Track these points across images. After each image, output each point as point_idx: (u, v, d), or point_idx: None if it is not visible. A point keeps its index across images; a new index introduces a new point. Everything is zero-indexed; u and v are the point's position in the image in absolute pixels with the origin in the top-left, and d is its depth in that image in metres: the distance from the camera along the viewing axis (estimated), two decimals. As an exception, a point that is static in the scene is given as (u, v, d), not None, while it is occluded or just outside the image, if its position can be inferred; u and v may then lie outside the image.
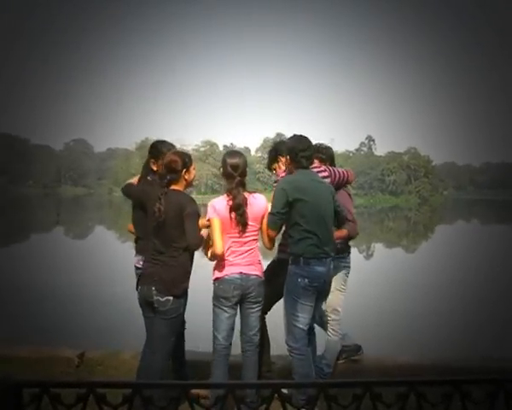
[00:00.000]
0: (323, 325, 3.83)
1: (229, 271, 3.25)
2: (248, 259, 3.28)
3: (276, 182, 3.65)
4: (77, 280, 9.86)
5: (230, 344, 3.31)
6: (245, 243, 3.28)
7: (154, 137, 3.96)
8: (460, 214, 48.40)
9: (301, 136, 3.48)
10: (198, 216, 3.20)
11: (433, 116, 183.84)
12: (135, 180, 3.69)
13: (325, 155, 3.92)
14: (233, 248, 3.27)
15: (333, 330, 3.78)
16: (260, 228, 3.34)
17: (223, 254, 3.27)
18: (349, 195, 3.98)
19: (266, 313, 3.67)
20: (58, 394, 1.22)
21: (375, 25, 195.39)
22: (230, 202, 3.24)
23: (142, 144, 70.48)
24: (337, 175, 3.76)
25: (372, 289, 8.81)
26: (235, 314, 3.31)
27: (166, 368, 3.23)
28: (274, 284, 3.42)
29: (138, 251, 3.52)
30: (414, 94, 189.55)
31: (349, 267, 3.86)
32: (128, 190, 3.65)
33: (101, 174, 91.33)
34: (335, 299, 3.72)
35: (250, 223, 3.26)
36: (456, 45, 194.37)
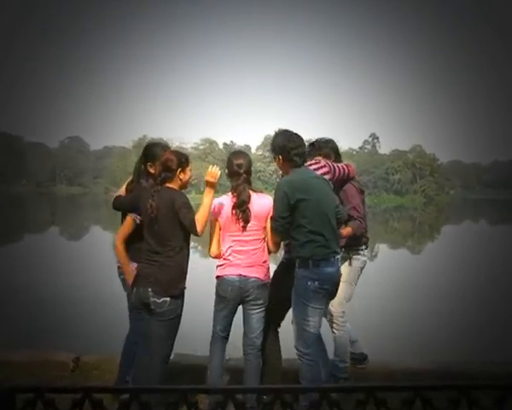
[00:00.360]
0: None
1: (229, 271, 3.29)
2: (250, 260, 3.29)
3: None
4: (72, 282, 9.86)
5: (228, 334, 3.41)
6: (247, 242, 3.29)
7: (152, 135, 3.96)
8: (467, 214, 48.34)
9: (291, 133, 3.41)
10: (190, 206, 3.20)
11: (439, 113, 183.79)
12: (122, 190, 3.64)
13: (327, 148, 3.84)
14: (234, 247, 3.30)
15: (337, 324, 3.75)
16: (265, 228, 3.34)
17: (217, 257, 3.36)
18: (359, 190, 3.89)
19: (279, 325, 3.60)
20: (53, 399, 1.21)
21: (376, 23, 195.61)
22: (234, 199, 3.28)
23: (139, 142, 70.33)
24: (337, 171, 3.67)
25: (376, 291, 8.79)
26: (234, 313, 3.38)
27: (165, 372, 3.24)
28: (285, 290, 3.33)
29: None
30: (419, 91, 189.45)
31: (366, 261, 3.86)
32: (118, 203, 3.58)
33: (97, 173, 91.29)
34: (342, 291, 3.62)
35: (252, 222, 3.28)
36: (459, 43, 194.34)
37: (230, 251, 3.31)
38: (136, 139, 75.10)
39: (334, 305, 3.70)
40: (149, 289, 3.14)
